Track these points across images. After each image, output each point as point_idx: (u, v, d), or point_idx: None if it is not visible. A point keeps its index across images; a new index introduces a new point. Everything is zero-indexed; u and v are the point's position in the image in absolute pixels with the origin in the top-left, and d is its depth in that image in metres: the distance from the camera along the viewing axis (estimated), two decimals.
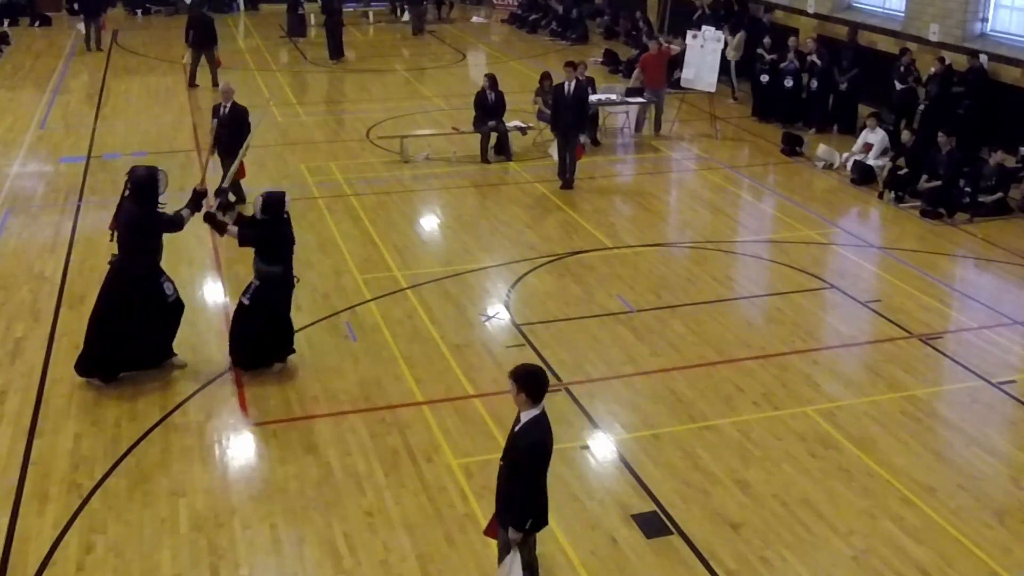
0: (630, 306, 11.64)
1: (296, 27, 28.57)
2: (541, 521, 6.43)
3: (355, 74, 24.50)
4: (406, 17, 31.90)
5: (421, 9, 30.29)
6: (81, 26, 26.27)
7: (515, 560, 6.35)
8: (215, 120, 14.22)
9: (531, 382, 6.10)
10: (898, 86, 17.93)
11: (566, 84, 15.63)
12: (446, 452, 8.74)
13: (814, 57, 19.29)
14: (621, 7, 29.36)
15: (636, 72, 20.34)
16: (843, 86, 18.95)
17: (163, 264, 9.93)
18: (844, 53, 19.11)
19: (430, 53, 27.60)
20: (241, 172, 14.21)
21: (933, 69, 17.26)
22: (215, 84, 22.12)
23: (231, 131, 13.89)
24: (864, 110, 18.19)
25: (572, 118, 15.57)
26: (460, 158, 17.26)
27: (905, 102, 17.71)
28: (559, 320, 11.31)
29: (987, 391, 9.91)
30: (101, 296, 9.72)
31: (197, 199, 10.20)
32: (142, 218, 9.64)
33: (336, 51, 25.70)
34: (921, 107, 17.14)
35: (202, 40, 22.13)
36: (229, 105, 14.25)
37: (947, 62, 17.22)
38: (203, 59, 22.32)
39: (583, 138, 15.87)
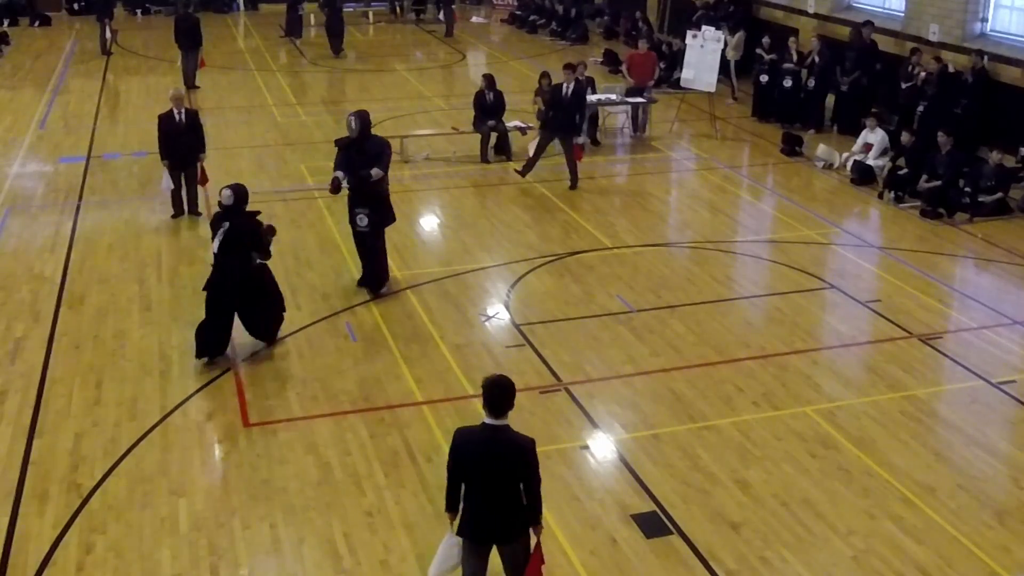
0: (630, 306, 11.64)
1: (294, 27, 28.63)
2: (458, 520, 6.34)
3: (355, 74, 24.50)
4: (408, 17, 31.99)
5: (452, 10, 30.31)
6: (108, 30, 26.06)
7: (445, 538, 6.48)
8: (166, 129, 13.77)
9: (485, 391, 6.09)
10: (903, 85, 17.83)
11: (564, 85, 15.65)
12: (446, 452, 8.69)
13: (815, 56, 19.28)
14: (621, 7, 29.37)
15: (624, 70, 20.26)
16: (844, 87, 18.91)
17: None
18: (847, 54, 19.07)
19: (430, 53, 27.61)
20: (203, 178, 14.21)
21: (926, 71, 17.26)
22: (190, 85, 22.07)
23: (191, 138, 13.87)
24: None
25: (568, 119, 15.61)
26: (460, 158, 17.26)
27: (910, 102, 17.65)
28: (559, 320, 11.31)
29: (987, 391, 9.91)
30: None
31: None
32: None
33: (336, 47, 26.13)
34: (920, 108, 17.09)
35: (187, 41, 22.12)
36: (183, 112, 13.87)
37: (943, 62, 17.20)
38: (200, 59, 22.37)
39: (581, 139, 15.89)
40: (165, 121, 13.85)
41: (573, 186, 15.77)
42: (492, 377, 6.15)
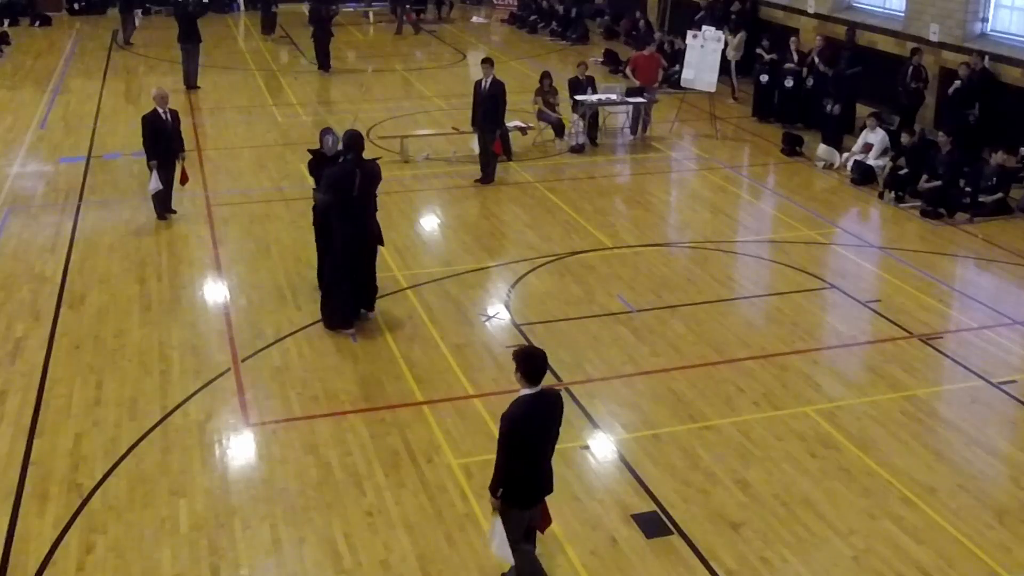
0: (630, 306, 11.64)
1: (268, 26, 28.96)
2: (519, 499, 6.53)
3: (355, 74, 24.48)
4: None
5: (405, 9, 30.40)
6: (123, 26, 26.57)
7: (494, 526, 6.60)
8: (155, 129, 13.78)
9: (525, 362, 6.30)
10: (912, 86, 17.76)
11: (483, 81, 15.71)
12: (446, 452, 8.75)
13: (815, 56, 19.23)
14: (621, 7, 29.38)
15: (628, 71, 20.23)
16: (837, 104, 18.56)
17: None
18: (842, 55, 18.98)
19: (430, 53, 27.62)
20: (184, 177, 14.24)
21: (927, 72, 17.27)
22: (190, 85, 22.07)
23: (177, 136, 14.08)
24: (864, 110, 18.18)
25: (486, 114, 15.67)
26: (460, 158, 17.26)
27: (911, 103, 17.61)
28: (559, 320, 11.31)
29: (987, 391, 9.91)
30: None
31: None
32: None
33: (323, 63, 24.48)
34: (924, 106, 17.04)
35: (187, 37, 22.13)
36: (168, 111, 13.93)
37: (943, 64, 17.18)
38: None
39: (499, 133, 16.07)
40: (152, 121, 13.81)
41: (484, 181, 15.81)
42: (525, 349, 6.49)
